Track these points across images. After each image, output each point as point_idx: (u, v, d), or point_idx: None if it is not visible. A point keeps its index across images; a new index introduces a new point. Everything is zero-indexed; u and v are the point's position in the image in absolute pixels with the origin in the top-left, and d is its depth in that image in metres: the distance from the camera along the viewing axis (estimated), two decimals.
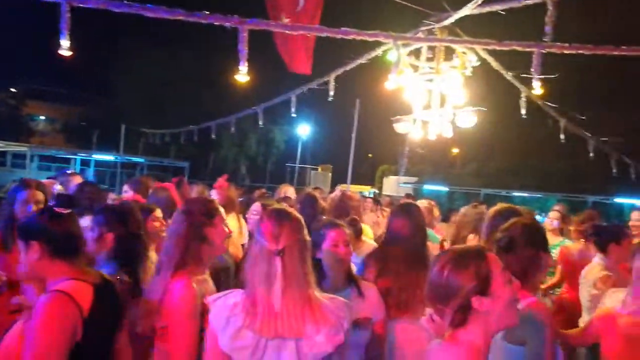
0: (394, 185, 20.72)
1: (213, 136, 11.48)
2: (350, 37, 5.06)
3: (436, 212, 5.72)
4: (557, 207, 5.63)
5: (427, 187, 23.26)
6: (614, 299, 2.50)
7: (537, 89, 5.32)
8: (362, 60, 7.70)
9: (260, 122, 10.06)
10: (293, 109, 8.97)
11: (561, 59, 5.65)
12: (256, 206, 3.49)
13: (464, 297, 1.45)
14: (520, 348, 1.90)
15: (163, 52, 27.20)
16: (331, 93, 8.22)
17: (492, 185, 20.68)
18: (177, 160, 24.86)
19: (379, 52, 7.18)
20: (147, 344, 2.19)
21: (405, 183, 21.86)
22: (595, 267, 3.02)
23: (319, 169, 23.79)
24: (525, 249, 2.06)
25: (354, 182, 25.45)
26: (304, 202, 3.83)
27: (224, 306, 1.70)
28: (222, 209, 2.34)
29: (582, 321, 3.12)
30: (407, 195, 9.11)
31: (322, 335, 1.64)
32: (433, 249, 3.23)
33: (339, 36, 5.07)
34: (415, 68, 7.33)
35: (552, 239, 4.58)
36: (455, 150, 31.52)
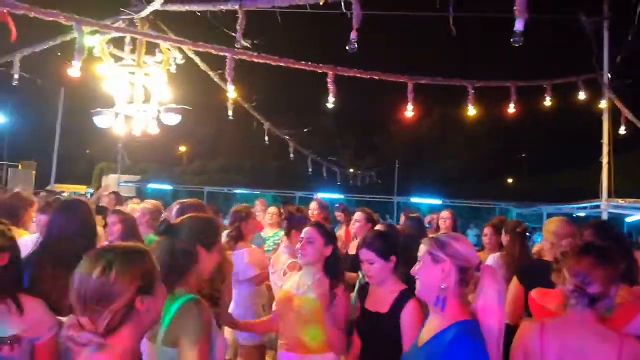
0: (114, 185, 19.14)
1: None
2: (21, 12, 4.31)
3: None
4: None
5: (152, 186, 22.43)
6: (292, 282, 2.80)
7: (232, 92, 5.61)
8: (54, 42, 6.79)
9: None
10: None
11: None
12: None
13: (129, 298, 1.37)
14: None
15: None
16: (16, 76, 7.13)
17: (216, 183, 21.41)
18: None
19: (75, 36, 6.41)
20: None
21: (126, 182, 20.53)
22: (281, 255, 3.28)
23: (19, 167, 20.13)
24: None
25: (66, 181, 22.52)
26: None
27: None
28: None
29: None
30: (115, 193, 8.43)
31: None
32: None
33: (5, 9, 4.27)
34: (119, 59, 6.85)
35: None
36: (182, 148, 31.36)
